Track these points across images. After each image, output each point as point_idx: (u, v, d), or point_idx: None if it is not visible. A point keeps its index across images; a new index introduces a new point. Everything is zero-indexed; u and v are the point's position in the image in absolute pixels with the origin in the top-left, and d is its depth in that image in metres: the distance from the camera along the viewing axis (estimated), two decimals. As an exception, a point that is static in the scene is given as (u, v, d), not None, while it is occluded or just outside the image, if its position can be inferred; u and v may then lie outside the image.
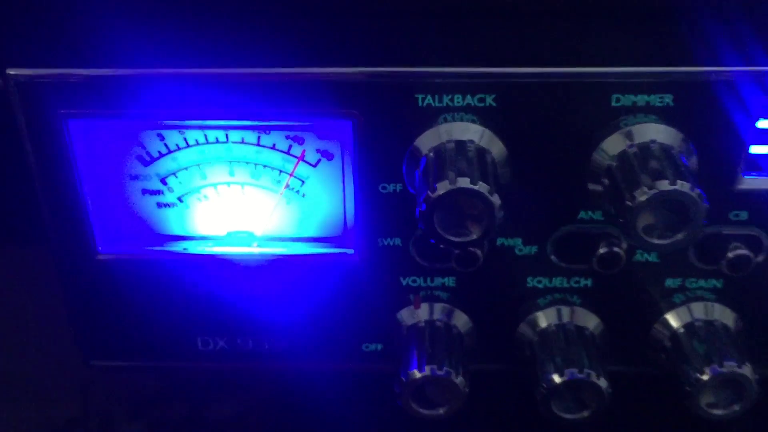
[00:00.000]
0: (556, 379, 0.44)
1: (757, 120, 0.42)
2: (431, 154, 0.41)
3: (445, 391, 0.45)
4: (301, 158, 0.46)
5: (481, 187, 0.38)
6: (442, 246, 0.40)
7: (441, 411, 0.46)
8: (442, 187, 0.38)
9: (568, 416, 0.45)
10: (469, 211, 0.39)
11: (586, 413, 0.45)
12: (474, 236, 0.39)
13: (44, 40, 0.42)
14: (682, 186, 0.37)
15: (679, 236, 0.38)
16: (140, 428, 0.60)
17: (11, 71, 0.42)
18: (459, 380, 0.44)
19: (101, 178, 0.47)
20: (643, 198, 0.37)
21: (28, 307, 0.64)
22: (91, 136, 0.45)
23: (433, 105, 0.42)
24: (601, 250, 0.45)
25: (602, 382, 0.44)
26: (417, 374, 0.44)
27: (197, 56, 0.43)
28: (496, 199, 0.38)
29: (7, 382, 0.63)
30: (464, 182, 0.38)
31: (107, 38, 0.42)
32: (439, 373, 0.44)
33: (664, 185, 0.37)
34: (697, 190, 0.37)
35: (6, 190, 0.49)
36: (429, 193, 0.38)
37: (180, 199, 0.48)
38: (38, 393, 0.62)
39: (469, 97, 0.42)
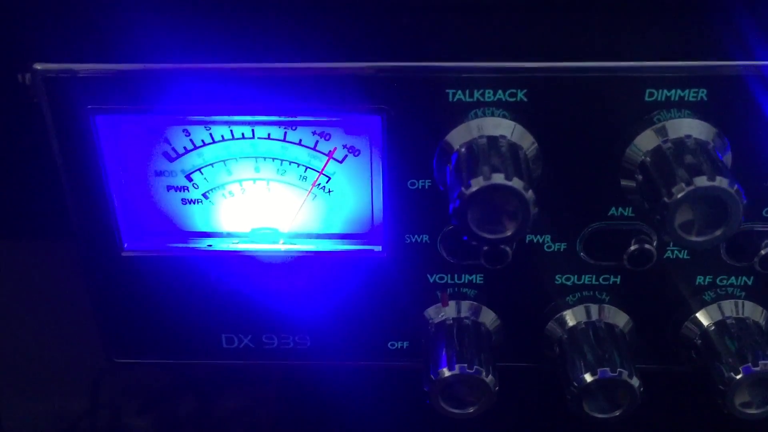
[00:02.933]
0: (588, 378, 0.44)
1: (793, 115, 0.42)
2: (463, 149, 0.41)
3: (474, 390, 0.45)
4: (331, 156, 0.46)
5: (516, 183, 0.37)
6: (474, 243, 0.39)
7: (471, 410, 0.45)
8: (476, 184, 0.37)
9: (599, 415, 0.45)
10: (503, 208, 0.38)
11: (617, 412, 0.44)
12: (508, 233, 0.38)
13: (71, 35, 0.42)
14: (721, 182, 0.37)
15: (717, 233, 0.38)
16: (149, 422, 0.60)
17: (38, 66, 0.41)
18: (489, 379, 0.44)
19: (127, 174, 0.46)
20: (680, 194, 0.37)
21: (43, 302, 0.64)
22: (117, 132, 0.45)
23: (463, 100, 0.41)
24: (632, 247, 0.45)
25: (635, 381, 0.44)
26: (447, 373, 0.44)
27: (224, 51, 0.42)
28: (530, 195, 0.37)
29: (20, 376, 0.63)
30: (499, 178, 0.37)
31: (134, 33, 0.42)
32: (470, 371, 0.44)
33: (703, 181, 0.37)
34: (736, 186, 0.37)
35: (33, 185, 0.48)
36: (463, 189, 0.38)
37: (205, 196, 0.48)
38: (50, 387, 0.62)
39: (500, 92, 0.41)
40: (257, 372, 0.61)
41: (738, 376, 0.43)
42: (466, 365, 0.44)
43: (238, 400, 0.61)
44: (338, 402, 0.55)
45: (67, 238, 0.47)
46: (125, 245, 0.47)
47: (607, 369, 0.43)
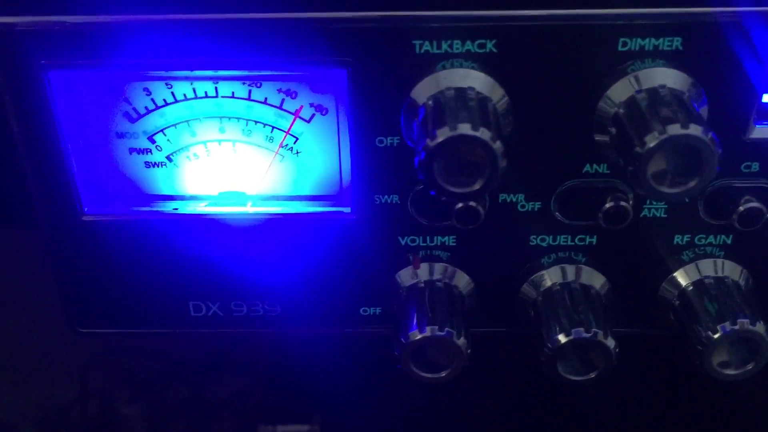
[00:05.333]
0: (562, 339, 0.43)
1: (771, 65, 0.40)
2: (430, 102, 0.39)
3: (446, 353, 0.43)
4: (298, 114, 0.44)
5: (483, 133, 0.36)
6: (442, 198, 0.38)
7: (443, 374, 0.44)
8: (442, 134, 0.36)
9: (574, 378, 0.43)
10: (470, 160, 0.37)
11: (592, 374, 0.43)
12: (476, 187, 0.37)
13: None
14: (695, 130, 0.35)
15: (692, 184, 0.37)
16: (139, 410, 0.59)
17: (-13, 19, 0.40)
18: (461, 341, 0.43)
19: (86, 135, 0.45)
20: (653, 143, 0.35)
21: (28, 290, 0.63)
22: (74, 90, 0.43)
23: (431, 51, 0.40)
24: (608, 205, 0.43)
25: (610, 342, 0.42)
26: (417, 335, 0.43)
27: (183, 1, 0.40)
28: (498, 146, 0.36)
29: (7, 366, 0.62)
30: (465, 128, 0.36)
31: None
32: (440, 333, 0.43)
33: (676, 129, 0.35)
34: (710, 135, 0.36)
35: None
36: (428, 140, 0.36)
37: (169, 158, 0.47)
38: (38, 376, 0.61)
39: (468, 42, 0.40)
40: (248, 356, 0.60)
41: (716, 336, 0.42)
42: (437, 327, 0.43)
43: (227, 387, 0.60)
44: (310, 371, 0.53)
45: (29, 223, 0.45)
46: (86, 209, 0.46)
47: (582, 329, 0.42)
